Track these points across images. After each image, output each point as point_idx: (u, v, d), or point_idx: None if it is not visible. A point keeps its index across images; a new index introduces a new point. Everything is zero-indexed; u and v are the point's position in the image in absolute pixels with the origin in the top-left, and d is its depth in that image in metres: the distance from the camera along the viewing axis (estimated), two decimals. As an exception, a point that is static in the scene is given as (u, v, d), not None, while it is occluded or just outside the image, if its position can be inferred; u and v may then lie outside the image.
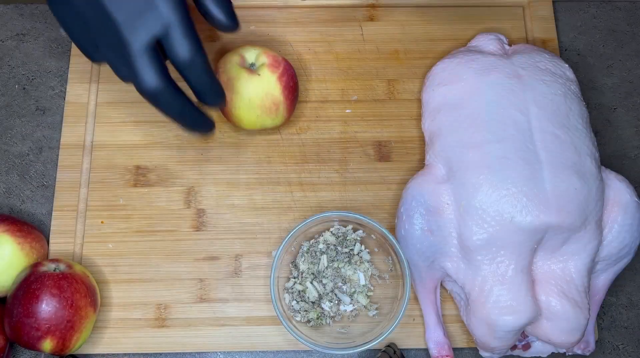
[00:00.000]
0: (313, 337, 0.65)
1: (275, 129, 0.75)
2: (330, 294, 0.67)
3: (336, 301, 0.67)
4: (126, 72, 0.57)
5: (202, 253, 0.71)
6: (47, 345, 0.62)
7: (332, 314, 0.67)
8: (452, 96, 0.69)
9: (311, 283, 0.67)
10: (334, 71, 0.77)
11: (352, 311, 0.68)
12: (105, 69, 0.77)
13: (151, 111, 0.76)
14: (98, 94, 0.76)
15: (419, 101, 0.75)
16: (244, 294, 0.69)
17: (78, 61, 0.77)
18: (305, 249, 0.69)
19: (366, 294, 0.68)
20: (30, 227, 0.68)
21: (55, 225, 0.71)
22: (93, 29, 0.57)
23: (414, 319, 0.69)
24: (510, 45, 0.74)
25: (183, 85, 0.59)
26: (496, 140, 0.64)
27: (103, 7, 0.55)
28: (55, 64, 0.78)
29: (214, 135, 0.74)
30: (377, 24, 0.79)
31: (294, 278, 0.68)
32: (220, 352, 0.68)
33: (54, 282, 0.63)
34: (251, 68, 0.69)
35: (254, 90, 0.68)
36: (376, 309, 0.68)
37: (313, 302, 0.67)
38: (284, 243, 0.67)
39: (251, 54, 0.70)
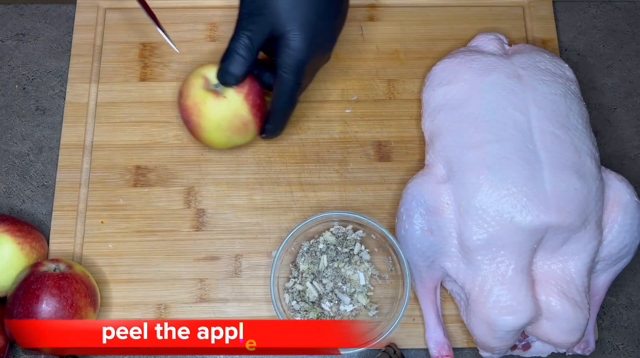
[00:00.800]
0: (313, 337, 0.65)
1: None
2: (330, 294, 0.67)
3: (336, 301, 0.67)
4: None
5: (202, 253, 0.71)
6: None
7: (332, 314, 0.67)
8: (452, 96, 0.69)
9: (311, 283, 0.67)
10: (334, 71, 0.77)
11: (352, 311, 0.68)
12: (106, 69, 0.77)
13: (151, 111, 0.76)
14: (98, 94, 0.76)
15: (419, 101, 0.75)
16: (244, 294, 0.69)
17: (78, 61, 0.77)
18: (305, 249, 0.69)
19: (366, 294, 0.68)
20: (30, 227, 0.68)
21: (55, 225, 0.71)
22: None
23: (414, 319, 0.69)
24: (510, 45, 0.74)
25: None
26: (496, 140, 0.64)
27: None
28: (55, 64, 0.78)
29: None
30: (377, 24, 0.79)
31: (294, 278, 0.68)
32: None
33: (54, 282, 0.63)
34: (216, 89, 0.68)
35: (222, 113, 0.67)
36: (376, 309, 0.68)
37: (313, 302, 0.67)
38: (284, 243, 0.67)
39: (214, 74, 0.68)
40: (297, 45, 0.64)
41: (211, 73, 0.68)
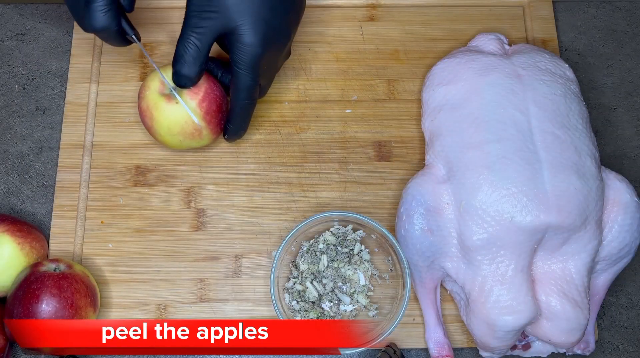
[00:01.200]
0: (313, 337, 0.65)
1: (275, 129, 0.75)
2: (330, 294, 0.67)
3: (336, 301, 0.67)
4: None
5: (202, 253, 0.71)
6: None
7: (332, 314, 0.67)
8: (452, 96, 0.69)
9: (311, 283, 0.67)
10: (334, 71, 0.77)
11: (352, 311, 0.68)
12: (106, 69, 0.77)
13: (151, 111, 0.76)
14: (98, 94, 0.76)
15: (419, 101, 0.75)
16: (244, 294, 0.70)
17: (78, 61, 0.77)
18: (305, 249, 0.69)
19: (366, 294, 0.68)
20: (30, 227, 0.68)
21: (55, 225, 0.71)
22: None
23: (414, 319, 0.69)
24: (510, 45, 0.74)
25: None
26: (496, 140, 0.64)
27: None
28: (55, 64, 0.78)
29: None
30: (377, 24, 0.79)
31: (294, 278, 0.68)
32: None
33: (54, 282, 0.63)
34: (171, 93, 0.67)
35: (173, 118, 0.67)
36: (376, 309, 0.68)
37: (313, 302, 0.67)
38: (284, 243, 0.67)
39: (170, 77, 0.67)
40: (249, 40, 0.63)
41: (168, 75, 0.67)
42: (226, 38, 0.64)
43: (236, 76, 0.65)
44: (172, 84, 0.67)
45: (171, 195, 0.73)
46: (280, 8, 0.65)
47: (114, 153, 0.74)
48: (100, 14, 0.62)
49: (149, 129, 0.69)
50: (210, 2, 0.63)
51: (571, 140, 0.64)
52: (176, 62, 0.65)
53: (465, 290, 0.65)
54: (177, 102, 0.66)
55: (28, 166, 0.75)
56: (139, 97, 0.69)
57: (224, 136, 0.71)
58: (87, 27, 0.63)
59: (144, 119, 0.69)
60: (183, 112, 0.67)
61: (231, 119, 0.69)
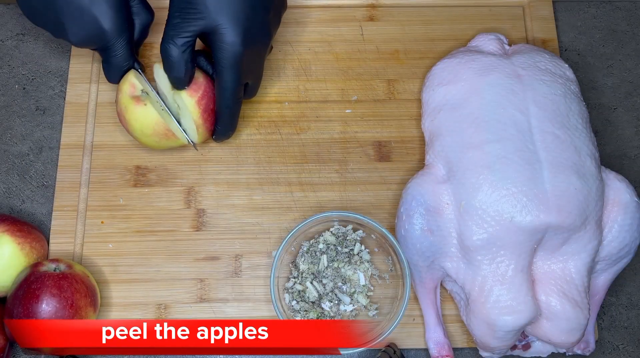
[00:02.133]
0: (313, 337, 0.65)
1: (275, 129, 0.75)
2: (330, 294, 0.67)
3: (336, 302, 0.67)
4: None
5: (202, 253, 0.71)
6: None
7: (332, 314, 0.67)
8: (452, 96, 0.69)
9: (311, 283, 0.67)
10: (334, 71, 0.77)
11: (352, 311, 0.68)
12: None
13: (151, 111, 0.75)
14: (98, 94, 0.76)
15: (419, 101, 0.75)
16: (244, 294, 0.70)
17: (78, 61, 0.77)
18: (305, 249, 0.69)
19: (366, 294, 0.68)
20: (30, 227, 0.68)
21: (55, 225, 0.71)
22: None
23: (414, 319, 0.69)
24: (510, 45, 0.74)
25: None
26: (496, 140, 0.64)
27: None
28: (55, 64, 0.78)
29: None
30: (377, 24, 0.79)
31: (294, 278, 0.68)
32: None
33: (54, 282, 0.63)
34: (140, 95, 0.67)
35: (144, 120, 0.67)
36: (376, 309, 0.68)
37: (313, 302, 0.67)
38: (284, 243, 0.67)
39: (141, 79, 0.68)
40: (230, 39, 0.63)
41: (138, 78, 0.68)
42: (208, 37, 0.65)
43: (220, 75, 0.65)
44: (141, 86, 0.68)
45: (171, 195, 0.73)
46: (261, 6, 0.65)
47: (114, 153, 0.74)
48: (122, 72, 0.67)
49: (127, 131, 0.69)
50: (190, 1, 0.63)
51: (571, 140, 0.64)
52: (165, 67, 0.65)
53: (465, 290, 0.65)
54: (145, 104, 0.66)
55: (28, 166, 0.75)
56: (115, 101, 0.69)
57: (212, 136, 0.71)
58: (108, 79, 0.68)
59: (121, 123, 0.69)
60: (152, 113, 0.66)
61: (219, 120, 0.69)
